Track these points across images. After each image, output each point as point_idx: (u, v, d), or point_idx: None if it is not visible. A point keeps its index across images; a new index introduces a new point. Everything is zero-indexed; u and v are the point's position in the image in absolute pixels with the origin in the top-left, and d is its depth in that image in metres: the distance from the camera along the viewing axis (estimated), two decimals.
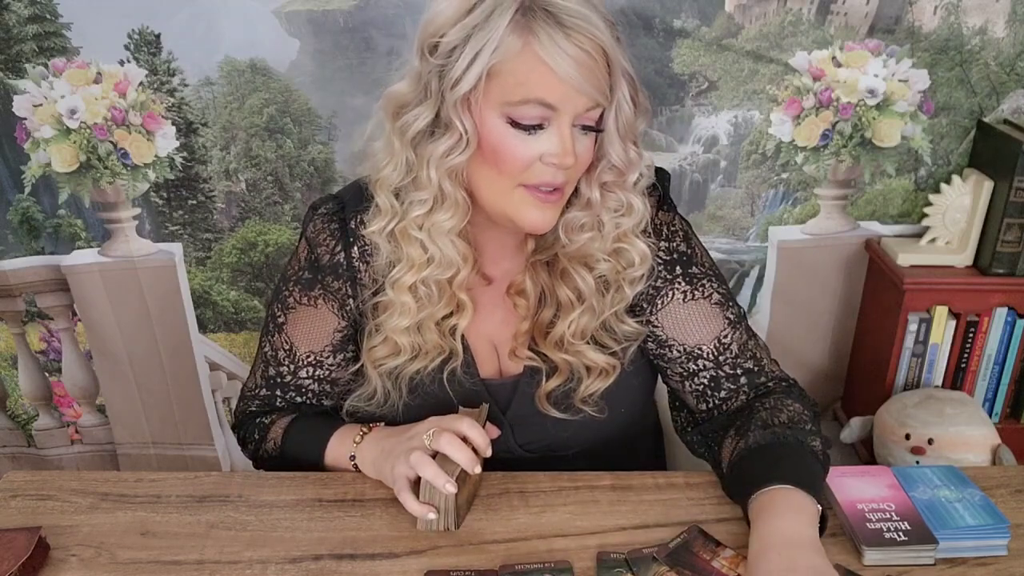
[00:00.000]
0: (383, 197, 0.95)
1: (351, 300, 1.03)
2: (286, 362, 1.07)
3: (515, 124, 0.87)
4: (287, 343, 1.06)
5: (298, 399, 1.09)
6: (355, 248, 1.01)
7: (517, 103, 0.86)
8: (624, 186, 0.95)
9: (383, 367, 1.01)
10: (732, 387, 1.02)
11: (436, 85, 0.88)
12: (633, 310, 1.03)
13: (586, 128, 0.90)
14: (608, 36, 0.86)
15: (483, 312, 1.04)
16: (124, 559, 0.87)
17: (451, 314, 1.00)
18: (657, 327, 1.03)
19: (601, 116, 0.91)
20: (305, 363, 1.06)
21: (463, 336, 1.02)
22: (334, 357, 1.06)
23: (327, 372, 1.07)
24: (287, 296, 1.06)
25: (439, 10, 0.87)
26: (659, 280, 1.02)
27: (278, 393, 1.09)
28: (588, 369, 1.01)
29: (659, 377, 1.11)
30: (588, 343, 1.01)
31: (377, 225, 0.96)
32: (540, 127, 0.88)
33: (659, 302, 1.02)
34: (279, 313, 1.06)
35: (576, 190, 0.96)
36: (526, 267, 1.02)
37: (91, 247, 1.77)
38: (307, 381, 1.07)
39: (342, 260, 1.02)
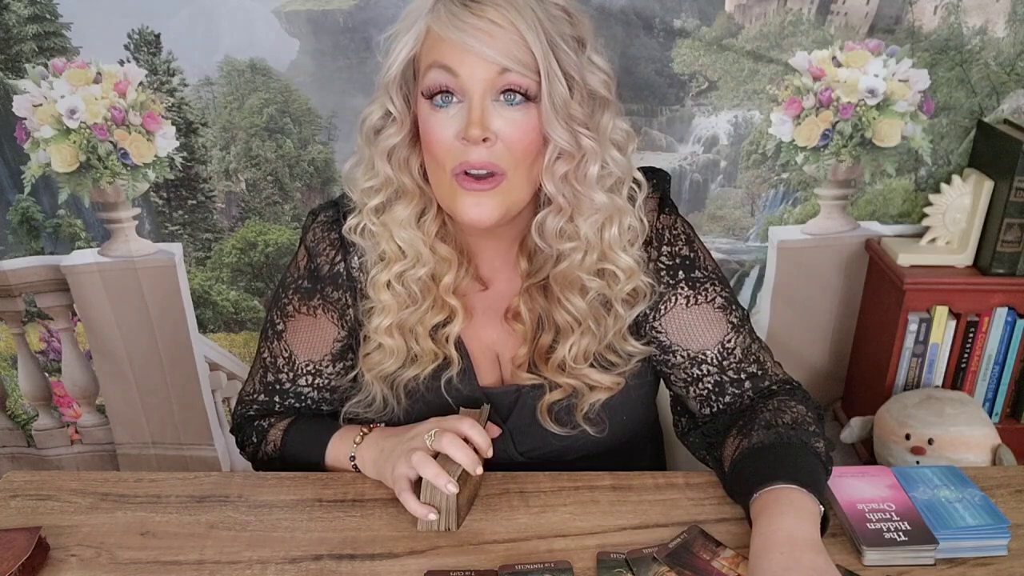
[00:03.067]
0: (356, 195, 0.98)
1: (351, 310, 1.03)
2: (285, 369, 1.07)
3: (433, 103, 0.88)
4: (286, 351, 1.06)
5: (297, 405, 1.09)
6: (355, 258, 1.01)
7: (426, 72, 0.88)
8: (585, 180, 0.91)
9: (378, 373, 1.01)
10: (736, 391, 1.01)
11: (381, 78, 0.92)
12: (636, 319, 1.02)
13: (510, 103, 0.87)
14: (527, 9, 0.85)
15: (484, 323, 1.03)
16: (124, 559, 0.87)
17: (445, 324, 1.00)
18: (660, 333, 1.02)
19: (539, 91, 0.87)
20: (304, 371, 1.06)
21: (463, 344, 1.02)
22: (333, 366, 1.06)
23: (326, 380, 1.07)
24: (286, 304, 1.05)
25: (401, 16, 0.92)
26: (662, 285, 1.01)
27: (276, 399, 1.09)
28: (591, 388, 1.00)
29: (660, 383, 1.10)
30: (592, 366, 1.00)
31: (352, 222, 0.98)
32: (450, 96, 0.87)
33: (662, 307, 1.01)
34: (278, 320, 1.06)
35: (544, 189, 0.93)
36: (520, 292, 1.01)
37: (91, 247, 1.77)
38: (306, 389, 1.07)
39: (342, 270, 1.02)
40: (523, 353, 1.02)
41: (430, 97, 0.88)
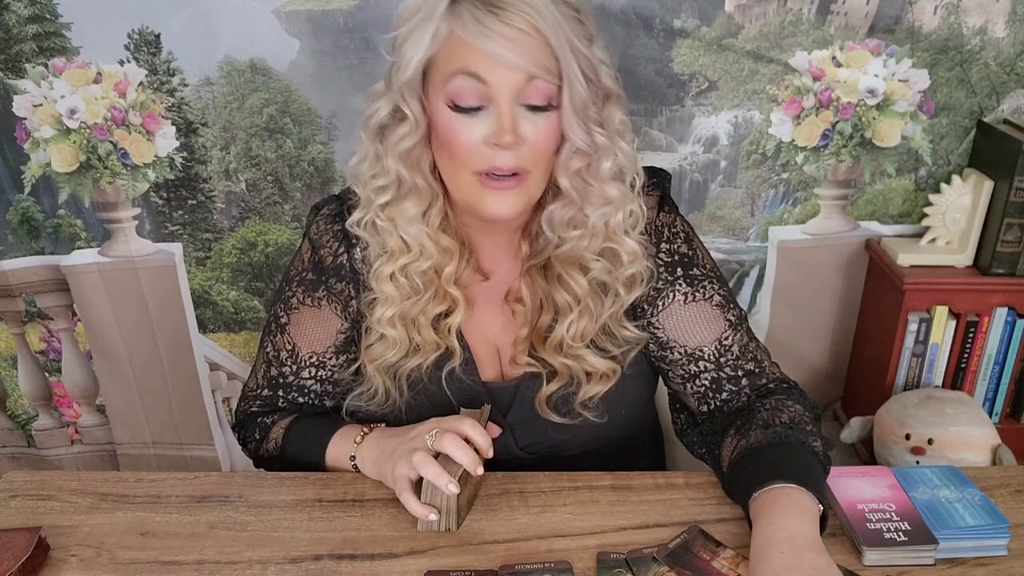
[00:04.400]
0: (360, 189, 0.98)
1: (354, 301, 1.04)
2: (288, 362, 1.07)
3: (457, 108, 0.88)
4: (289, 343, 1.06)
5: (300, 399, 1.09)
6: (358, 250, 1.02)
7: (449, 78, 0.88)
8: (598, 175, 0.94)
9: (380, 364, 1.01)
10: (733, 389, 1.01)
11: (393, 78, 0.91)
12: (634, 312, 1.03)
13: (534, 108, 0.89)
14: (548, 14, 0.86)
15: (485, 315, 1.04)
16: (124, 559, 0.87)
17: (447, 315, 1.01)
18: (658, 329, 1.03)
19: (559, 95, 0.89)
20: (308, 364, 1.06)
21: (464, 337, 1.03)
22: (336, 358, 1.07)
23: (329, 373, 1.07)
24: (290, 296, 1.06)
25: (400, 9, 0.91)
26: (660, 282, 1.02)
27: (280, 393, 1.09)
28: (588, 375, 1.01)
29: (659, 379, 1.11)
30: (589, 347, 1.00)
31: (356, 216, 0.99)
32: (480, 108, 0.88)
33: (660, 304, 1.02)
34: (282, 313, 1.06)
35: (555, 182, 0.95)
36: (521, 273, 1.02)
37: (91, 247, 1.77)
38: (309, 381, 1.07)
39: (345, 262, 1.03)
40: (524, 335, 1.02)
41: (456, 104, 0.88)
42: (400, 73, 0.90)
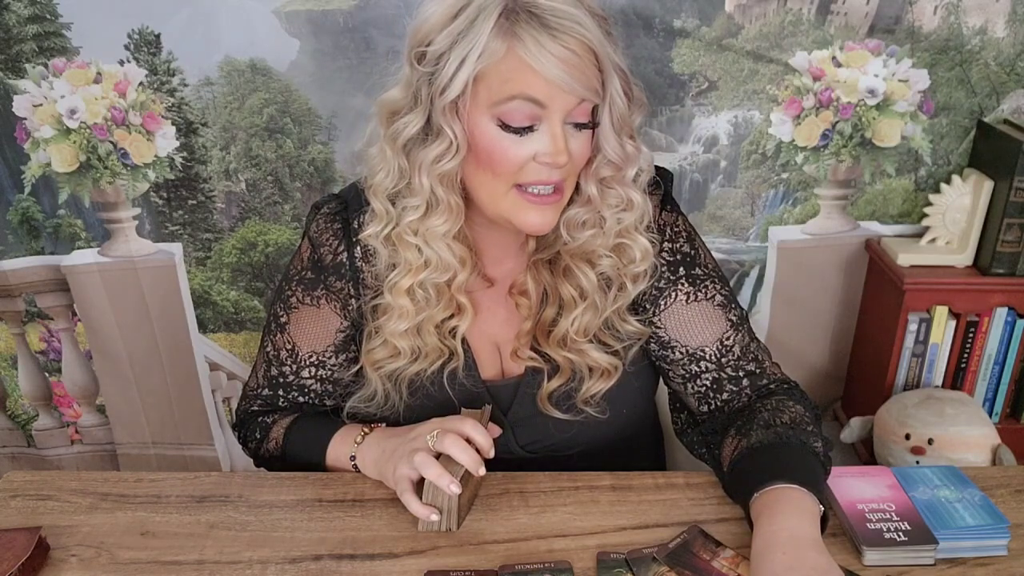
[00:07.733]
0: (378, 202, 0.96)
1: (353, 300, 1.03)
2: (288, 362, 1.07)
3: (506, 127, 0.87)
4: (289, 342, 1.06)
5: (300, 399, 1.09)
6: (358, 248, 1.02)
7: (504, 100, 0.86)
8: (623, 181, 0.95)
9: (382, 369, 1.01)
10: (734, 389, 1.01)
11: (425, 92, 0.88)
12: (636, 310, 1.03)
13: (579, 125, 0.90)
14: (596, 33, 0.86)
15: (485, 313, 1.04)
16: (124, 559, 0.87)
17: (451, 316, 1.00)
18: (660, 328, 1.03)
19: (595, 111, 0.90)
20: (307, 363, 1.06)
21: (464, 338, 1.03)
22: (336, 357, 1.07)
23: (329, 372, 1.07)
24: (289, 295, 1.06)
25: (425, 17, 0.87)
26: (662, 281, 1.02)
27: (280, 393, 1.09)
28: (590, 370, 1.01)
29: (659, 378, 1.11)
30: (591, 342, 1.01)
31: (373, 229, 0.97)
32: (531, 128, 0.87)
33: (662, 303, 1.02)
34: (281, 312, 1.06)
35: (576, 187, 0.96)
36: (527, 267, 1.02)
37: (91, 247, 1.77)
38: (309, 381, 1.07)
39: (345, 260, 1.02)
40: (527, 328, 1.02)
41: (506, 124, 0.87)
42: (443, 92, 0.86)
